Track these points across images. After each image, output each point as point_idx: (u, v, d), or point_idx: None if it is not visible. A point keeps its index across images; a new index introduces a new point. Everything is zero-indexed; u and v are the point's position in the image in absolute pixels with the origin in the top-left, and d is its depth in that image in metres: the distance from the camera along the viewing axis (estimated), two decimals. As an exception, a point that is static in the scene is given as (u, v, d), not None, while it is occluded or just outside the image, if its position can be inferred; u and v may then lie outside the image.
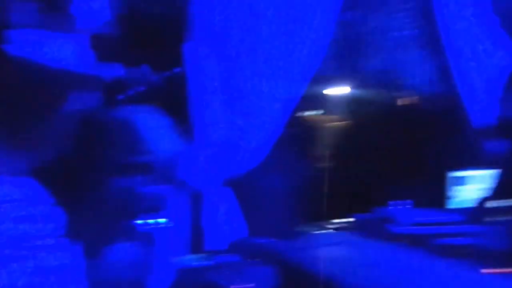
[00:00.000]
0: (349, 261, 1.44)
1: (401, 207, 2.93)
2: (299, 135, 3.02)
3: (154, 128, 1.99)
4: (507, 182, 1.95)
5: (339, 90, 3.25)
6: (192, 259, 1.94)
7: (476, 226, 2.38)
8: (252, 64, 2.11)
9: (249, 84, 2.10)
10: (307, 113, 3.16)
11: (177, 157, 1.96)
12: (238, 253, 1.93)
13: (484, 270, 1.49)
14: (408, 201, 3.00)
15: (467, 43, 2.92)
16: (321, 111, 3.50)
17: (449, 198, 3.19)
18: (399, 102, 3.52)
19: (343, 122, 3.55)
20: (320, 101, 3.27)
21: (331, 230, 2.46)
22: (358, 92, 3.26)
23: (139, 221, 1.92)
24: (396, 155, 3.42)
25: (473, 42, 2.93)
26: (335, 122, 3.57)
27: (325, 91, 3.12)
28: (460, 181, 3.22)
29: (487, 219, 2.32)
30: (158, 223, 1.93)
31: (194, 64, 2.02)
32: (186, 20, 2.01)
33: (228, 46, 2.09)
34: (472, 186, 3.10)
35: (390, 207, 2.91)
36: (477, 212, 2.42)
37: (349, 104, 3.32)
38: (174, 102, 2.06)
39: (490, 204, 2.46)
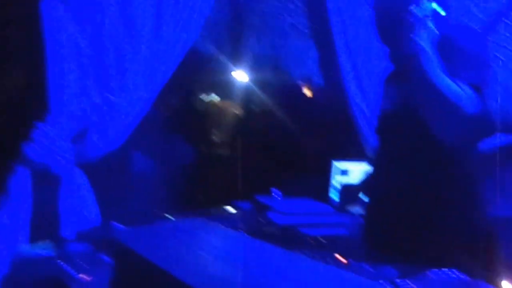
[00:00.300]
0: (215, 249, 1.35)
1: (281, 196, 2.90)
2: (173, 119, 2.90)
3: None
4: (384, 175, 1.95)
5: (223, 75, 3.16)
6: (38, 248, 1.75)
7: (350, 217, 2.40)
8: (119, 38, 1.93)
9: (113, 60, 1.92)
10: (183, 97, 3.06)
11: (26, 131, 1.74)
12: (90, 241, 1.77)
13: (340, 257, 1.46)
14: (290, 190, 2.99)
15: (357, 38, 2.93)
16: (203, 95, 3.41)
17: (332, 188, 3.24)
18: (285, 90, 3.51)
19: (226, 108, 3.48)
20: (201, 85, 3.17)
21: (202, 218, 2.36)
22: (242, 78, 3.20)
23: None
24: (279, 144, 3.42)
25: (363, 39, 2.94)
26: (217, 108, 3.50)
27: (206, 75, 3.03)
28: (344, 172, 3.27)
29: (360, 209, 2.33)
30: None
31: (50, 23, 1.78)
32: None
33: (94, 12, 1.89)
34: (355, 178, 3.16)
35: (269, 196, 2.87)
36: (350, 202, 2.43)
37: (233, 90, 3.25)
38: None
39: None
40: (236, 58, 3.05)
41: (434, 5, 1.66)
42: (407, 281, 1.20)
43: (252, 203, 2.84)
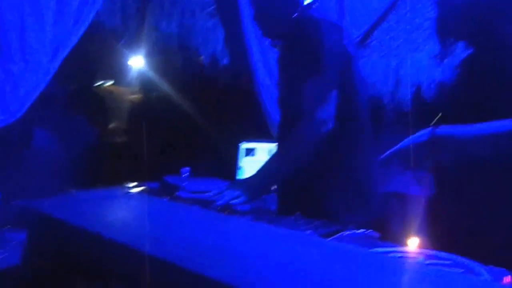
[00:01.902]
0: (143, 212, 1.32)
1: (188, 176, 2.88)
2: (77, 99, 2.79)
3: None
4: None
5: (125, 56, 3.08)
6: None
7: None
8: (21, 8, 1.82)
9: (14, 30, 1.80)
10: (87, 77, 2.95)
11: None
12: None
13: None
14: (199, 170, 2.98)
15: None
16: (105, 77, 3.32)
17: (239, 168, 3.28)
18: (191, 71, 3.49)
19: (132, 90, 3.41)
20: (103, 66, 3.07)
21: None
22: (147, 59, 3.13)
23: None
24: (187, 126, 3.40)
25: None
26: (124, 90, 3.42)
27: (108, 53, 2.93)
28: (251, 152, 3.32)
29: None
30: None
31: None
32: None
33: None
34: (263, 158, 3.21)
35: (178, 176, 2.85)
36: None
37: (137, 71, 3.18)
38: None
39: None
40: (142, 37, 2.97)
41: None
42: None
43: (161, 183, 2.81)
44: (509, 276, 1.05)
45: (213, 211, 1.46)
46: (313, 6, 1.78)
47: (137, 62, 3.17)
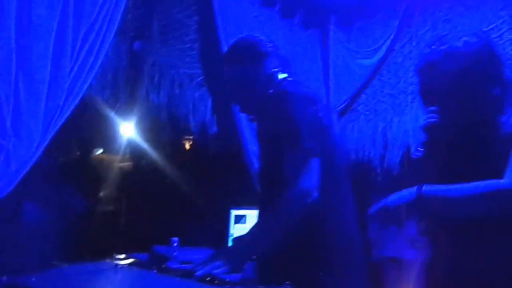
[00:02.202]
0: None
1: (180, 245, 2.86)
2: (63, 169, 2.82)
3: None
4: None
5: (116, 126, 3.14)
6: None
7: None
8: (13, 78, 1.88)
9: (5, 103, 1.86)
10: (74, 148, 3.00)
11: None
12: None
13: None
14: (189, 239, 2.96)
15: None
16: (93, 148, 3.36)
17: (230, 236, 3.26)
18: (180, 141, 3.55)
19: (121, 159, 3.44)
20: (92, 137, 3.12)
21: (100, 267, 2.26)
22: (136, 128, 3.19)
23: None
24: (177, 194, 3.41)
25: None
26: (112, 159, 3.44)
27: (98, 126, 2.99)
28: (242, 219, 3.31)
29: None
30: None
31: None
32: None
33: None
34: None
35: (167, 246, 2.82)
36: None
37: (126, 140, 3.23)
38: None
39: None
40: (131, 107, 3.04)
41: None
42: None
43: (150, 253, 2.78)
44: None
45: (201, 283, 1.45)
46: (287, 81, 1.85)
47: (127, 130, 3.22)
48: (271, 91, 1.82)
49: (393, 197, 1.68)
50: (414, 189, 1.63)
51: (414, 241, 1.98)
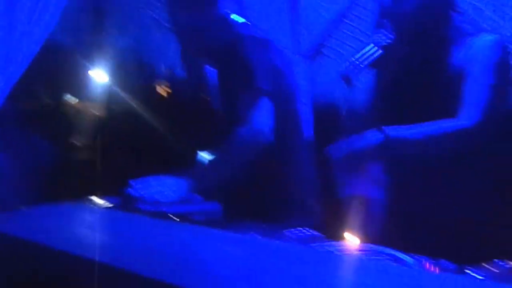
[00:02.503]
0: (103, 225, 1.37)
1: (149, 188, 2.93)
2: (31, 116, 2.81)
3: None
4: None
5: (82, 71, 3.12)
6: None
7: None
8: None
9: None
10: (41, 95, 2.98)
11: None
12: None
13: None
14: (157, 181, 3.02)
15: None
16: (63, 92, 3.34)
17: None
18: (148, 85, 3.54)
19: (89, 105, 3.44)
20: (58, 83, 3.10)
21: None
22: (103, 73, 3.17)
23: None
24: (145, 137, 3.44)
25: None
26: (81, 105, 3.44)
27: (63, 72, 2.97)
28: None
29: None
30: None
31: None
32: None
33: None
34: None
35: (137, 189, 2.89)
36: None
37: (93, 85, 3.22)
38: None
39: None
40: (97, 52, 3.02)
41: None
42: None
43: (120, 196, 2.84)
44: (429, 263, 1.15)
45: (165, 220, 1.52)
46: (242, 24, 1.86)
47: (93, 75, 3.20)
48: (226, 34, 1.83)
49: (358, 141, 1.75)
50: (378, 132, 1.71)
51: (377, 180, 2.09)
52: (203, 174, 1.80)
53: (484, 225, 1.79)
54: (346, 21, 3.76)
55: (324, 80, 3.97)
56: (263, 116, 1.71)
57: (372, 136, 1.79)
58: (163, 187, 2.04)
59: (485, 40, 1.80)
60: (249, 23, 1.86)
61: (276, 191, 1.79)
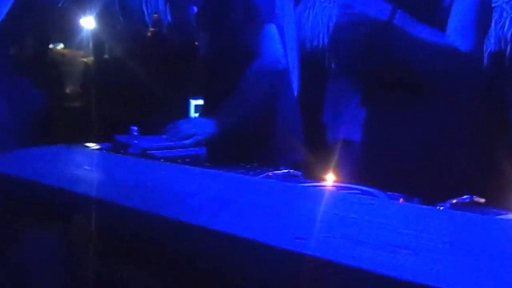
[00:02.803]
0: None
1: (138, 134, 2.99)
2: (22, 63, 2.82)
3: None
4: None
5: (68, 19, 3.10)
6: None
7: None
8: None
9: None
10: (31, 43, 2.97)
11: None
12: None
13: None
14: (150, 128, 3.08)
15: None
16: (50, 40, 3.33)
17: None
18: (136, 32, 3.52)
19: (77, 53, 3.43)
20: (47, 29, 3.08)
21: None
22: (89, 21, 3.16)
23: None
24: (136, 85, 3.47)
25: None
26: (69, 53, 3.43)
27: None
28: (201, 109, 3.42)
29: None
30: None
31: None
32: None
33: None
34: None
35: (128, 135, 2.95)
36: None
37: (80, 33, 3.21)
38: None
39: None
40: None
41: None
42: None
43: (112, 142, 2.89)
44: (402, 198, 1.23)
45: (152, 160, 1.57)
46: None
47: (80, 23, 3.19)
48: None
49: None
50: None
51: (363, 124, 2.14)
52: (225, 113, 1.78)
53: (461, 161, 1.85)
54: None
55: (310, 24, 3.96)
56: (275, 46, 1.71)
57: None
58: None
59: None
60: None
61: (269, 131, 1.83)
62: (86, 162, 1.45)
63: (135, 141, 2.86)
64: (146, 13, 3.06)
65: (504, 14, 2.11)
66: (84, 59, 3.61)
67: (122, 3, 2.98)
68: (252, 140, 1.80)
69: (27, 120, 2.59)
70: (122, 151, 2.77)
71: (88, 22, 3.23)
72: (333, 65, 2.11)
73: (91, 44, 3.40)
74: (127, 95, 3.51)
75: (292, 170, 1.50)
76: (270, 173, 1.46)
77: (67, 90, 3.58)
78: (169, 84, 3.50)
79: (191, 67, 3.41)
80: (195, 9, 2.91)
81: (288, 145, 1.87)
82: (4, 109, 2.41)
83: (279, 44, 1.74)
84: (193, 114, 3.44)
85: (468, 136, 1.91)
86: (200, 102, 3.40)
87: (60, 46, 3.53)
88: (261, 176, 1.43)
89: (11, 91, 2.45)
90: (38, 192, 1.18)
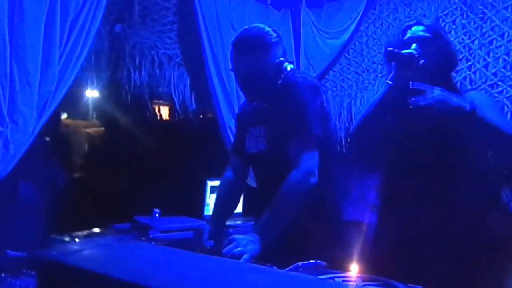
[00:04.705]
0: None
1: (159, 215, 3.08)
2: (53, 142, 2.96)
3: None
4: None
5: (100, 99, 3.29)
6: None
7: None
8: (7, 68, 2.04)
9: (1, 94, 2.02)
10: (70, 122, 3.13)
11: None
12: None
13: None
14: (167, 208, 3.16)
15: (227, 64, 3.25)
16: (82, 120, 3.50)
17: (206, 205, 3.48)
18: (162, 115, 3.72)
19: (103, 131, 3.58)
20: (78, 109, 3.26)
21: (89, 238, 2.47)
22: (122, 103, 3.34)
23: None
24: (156, 165, 3.60)
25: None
26: (95, 130, 3.59)
27: (84, 98, 3.14)
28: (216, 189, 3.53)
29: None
30: None
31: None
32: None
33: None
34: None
35: (149, 215, 3.03)
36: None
37: (109, 112, 3.37)
38: None
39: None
40: (114, 87, 3.20)
41: None
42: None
43: (132, 223, 2.98)
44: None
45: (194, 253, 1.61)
46: (294, 71, 2.00)
47: (110, 107, 3.37)
48: (281, 81, 1.96)
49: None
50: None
51: (373, 206, 2.23)
52: (264, 225, 1.85)
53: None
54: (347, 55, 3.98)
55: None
56: (313, 158, 1.82)
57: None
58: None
59: None
60: (299, 70, 1.99)
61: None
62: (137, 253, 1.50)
63: (156, 223, 2.96)
64: (171, 99, 3.26)
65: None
66: (99, 132, 3.73)
67: (151, 90, 3.18)
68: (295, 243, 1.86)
69: (55, 202, 2.70)
70: (142, 233, 2.86)
71: (111, 106, 3.40)
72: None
73: (113, 126, 3.55)
74: (147, 176, 3.64)
75: (319, 261, 1.58)
76: (299, 263, 1.54)
77: (80, 165, 3.68)
78: (186, 165, 3.64)
79: (209, 150, 3.56)
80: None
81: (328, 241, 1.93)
82: (38, 192, 2.53)
83: (317, 158, 1.85)
84: (208, 194, 3.53)
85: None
86: (216, 183, 3.51)
87: (64, 115, 3.64)
88: (291, 266, 1.51)
89: (46, 175, 2.58)
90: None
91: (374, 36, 3.83)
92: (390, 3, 3.72)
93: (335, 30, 3.93)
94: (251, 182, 2.35)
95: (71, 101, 3.47)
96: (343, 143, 4.00)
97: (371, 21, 3.84)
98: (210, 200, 3.46)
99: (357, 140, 2.11)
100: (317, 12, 3.95)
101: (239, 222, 3.27)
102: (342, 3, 3.89)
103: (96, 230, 2.56)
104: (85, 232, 2.33)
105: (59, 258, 1.36)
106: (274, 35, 1.98)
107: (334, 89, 4.09)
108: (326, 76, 4.09)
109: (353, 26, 3.85)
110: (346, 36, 3.90)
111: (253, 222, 2.22)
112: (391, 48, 1.92)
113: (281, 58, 1.97)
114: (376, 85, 3.81)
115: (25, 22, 2.17)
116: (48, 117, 2.20)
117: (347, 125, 4.03)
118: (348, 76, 4.03)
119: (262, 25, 2.01)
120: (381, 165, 2.11)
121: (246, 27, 2.03)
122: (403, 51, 1.90)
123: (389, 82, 1.94)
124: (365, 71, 3.94)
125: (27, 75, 2.12)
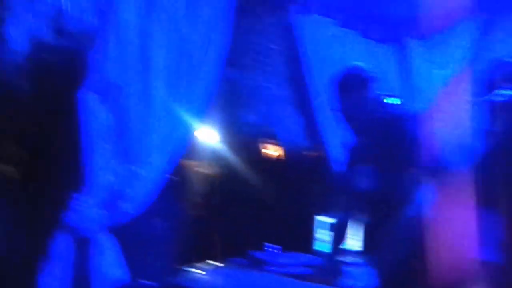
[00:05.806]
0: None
1: (272, 250, 3.14)
2: (180, 182, 3.13)
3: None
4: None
5: (217, 141, 3.45)
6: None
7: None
8: (142, 115, 2.21)
9: (138, 134, 2.19)
10: (188, 162, 3.30)
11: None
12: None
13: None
14: (279, 244, 3.22)
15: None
16: (199, 160, 3.68)
17: (316, 241, 3.49)
18: (271, 152, 3.81)
19: (219, 171, 3.74)
20: (199, 151, 3.44)
21: (211, 272, 2.59)
22: (234, 143, 3.48)
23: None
24: (268, 202, 3.69)
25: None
26: (212, 171, 3.76)
27: (204, 142, 3.30)
28: (326, 225, 3.53)
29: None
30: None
31: (85, 111, 2.07)
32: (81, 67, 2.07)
33: (120, 96, 2.16)
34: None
35: (262, 251, 3.11)
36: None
37: (225, 154, 3.53)
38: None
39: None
40: (226, 125, 3.35)
41: None
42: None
43: (247, 258, 3.06)
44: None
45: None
46: (394, 104, 2.02)
47: (224, 145, 3.52)
48: (380, 114, 1.99)
49: None
50: None
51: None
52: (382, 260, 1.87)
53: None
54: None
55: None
56: (423, 193, 1.83)
57: None
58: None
59: None
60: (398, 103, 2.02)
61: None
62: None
63: (272, 258, 3.03)
64: (283, 136, 3.33)
65: None
66: (215, 172, 3.86)
67: (263, 128, 3.29)
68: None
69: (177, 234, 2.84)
70: (258, 268, 2.94)
71: (225, 144, 3.54)
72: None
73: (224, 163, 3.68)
74: (255, 210, 3.73)
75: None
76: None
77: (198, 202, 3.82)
78: (296, 201, 3.68)
79: (318, 186, 3.58)
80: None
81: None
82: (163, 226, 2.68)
83: (427, 192, 1.84)
84: (318, 230, 3.53)
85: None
86: (324, 219, 3.51)
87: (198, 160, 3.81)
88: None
89: (168, 208, 2.73)
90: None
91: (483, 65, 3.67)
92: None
93: (444, 59, 3.83)
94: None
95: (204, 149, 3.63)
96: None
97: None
98: (319, 235, 3.47)
99: None
100: (426, 43, 3.89)
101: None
102: (450, 32, 3.80)
103: (216, 263, 2.67)
104: (206, 264, 2.45)
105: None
106: (371, 71, 2.02)
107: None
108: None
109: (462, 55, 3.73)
110: (455, 65, 3.78)
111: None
112: None
113: (379, 92, 1.99)
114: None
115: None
116: (178, 160, 2.34)
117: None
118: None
119: (359, 64, 2.06)
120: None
121: (347, 65, 2.10)
122: None
123: None
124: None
125: (153, 119, 2.26)
